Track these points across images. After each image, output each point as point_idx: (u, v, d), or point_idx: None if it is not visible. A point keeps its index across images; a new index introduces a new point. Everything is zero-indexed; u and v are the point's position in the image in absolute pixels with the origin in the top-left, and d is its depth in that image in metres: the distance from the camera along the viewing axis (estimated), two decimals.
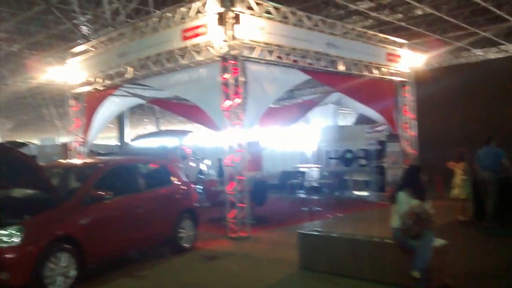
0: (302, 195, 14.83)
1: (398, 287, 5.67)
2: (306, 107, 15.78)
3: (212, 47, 9.59)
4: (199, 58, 9.93)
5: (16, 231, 5.64)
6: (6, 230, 5.65)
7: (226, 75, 9.42)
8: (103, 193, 6.64)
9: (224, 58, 9.42)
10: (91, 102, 13.44)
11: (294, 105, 16.57)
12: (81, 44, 14.59)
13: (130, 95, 14.11)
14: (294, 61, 10.67)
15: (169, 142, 9.12)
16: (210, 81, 9.99)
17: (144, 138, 10.00)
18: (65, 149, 14.55)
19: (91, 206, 6.58)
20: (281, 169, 17.77)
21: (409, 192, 5.65)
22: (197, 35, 9.81)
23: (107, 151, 16.83)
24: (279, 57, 10.33)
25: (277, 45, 10.20)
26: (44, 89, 33.17)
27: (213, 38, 9.44)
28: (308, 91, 16.38)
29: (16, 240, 5.60)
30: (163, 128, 41.08)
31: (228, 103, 9.40)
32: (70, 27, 18.05)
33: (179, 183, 8.49)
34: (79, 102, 13.92)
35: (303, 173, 16.25)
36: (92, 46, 13.08)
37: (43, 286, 5.78)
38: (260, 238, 9.34)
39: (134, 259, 7.75)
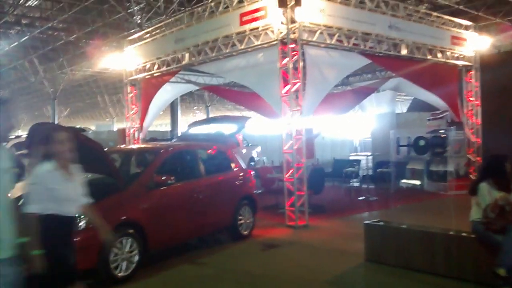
0: (356, 184, 14.45)
1: (478, 284, 5.29)
2: (362, 94, 15.27)
3: (271, 31, 9.36)
4: (257, 42, 9.71)
5: (83, 215, 5.63)
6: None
7: (285, 60, 9.18)
8: (166, 179, 6.57)
9: (283, 42, 9.16)
10: (148, 88, 13.53)
11: (349, 92, 16.09)
12: (135, 32, 14.72)
13: (184, 81, 14.14)
14: (355, 44, 10.27)
15: (227, 128, 8.93)
16: (268, 66, 9.78)
17: (201, 124, 9.86)
18: (122, 135, 14.74)
19: (154, 192, 6.53)
20: (331, 157, 17.40)
21: (492, 183, 5.22)
22: (255, 19, 9.60)
23: (162, 138, 17.00)
24: (339, 40, 9.97)
25: (338, 28, 9.84)
26: (99, 77, 34.09)
27: (273, 21, 9.20)
28: (364, 77, 15.88)
29: (83, 224, 5.60)
30: (212, 115, 41.41)
31: (287, 89, 9.16)
32: (124, 16, 18.26)
33: (239, 169, 8.34)
34: (136, 88, 14.06)
35: (358, 161, 15.80)
36: (149, 33, 13.14)
37: (108, 271, 5.77)
38: (318, 228, 9.09)
39: (193, 245, 7.67)
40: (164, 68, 12.47)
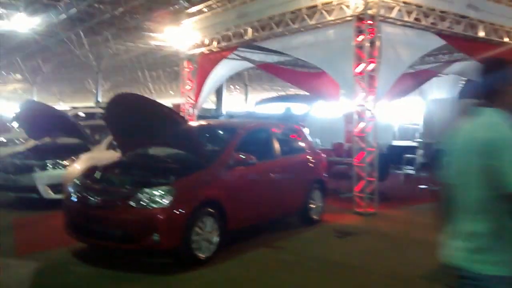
0: (409, 171, 13.84)
1: None
2: (423, 78, 14.57)
3: (347, 5, 8.85)
4: (329, 18, 9.23)
5: (167, 192, 5.40)
6: (157, 190, 5.42)
7: (360, 37, 8.69)
8: (248, 158, 6.28)
9: (359, 18, 8.67)
10: (205, 64, 13.23)
11: (408, 75, 15.37)
12: (185, 7, 14.36)
13: (239, 58, 13.77)
14: (432, 24, 9.66)
15: (297, 107, 8.55)
16: (340, 44, 9.32)
17: (269, 102, 9.51)
18: (178, 111, 14.53)
19: (234, 171, 6.24)
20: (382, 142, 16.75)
21: None
22: None
23: (213, 115, 16.73)
24: (416, 18, 9.38)
25: (416, 5, 9.25)
26: (141, 52, 34.07)
27: None
28: (426, 60, 15.12)
29: (167, 201, 5.35)
30: (250, 95, 41.01)
31: (361, 68, 8.70)
32: None
33: (311, 151, 7.99)
34: (192, 64, 13.79)
35: (413, 148, 15.17)
36: (209, 7, 12.75)
37: (190, 251, 5.53)
38: (388, 216, 8.68)
39: (263, 228, 7.39)
40: (224, 44, 12.12)
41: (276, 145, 7.21)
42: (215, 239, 5.83)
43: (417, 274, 5.48)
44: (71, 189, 6.10)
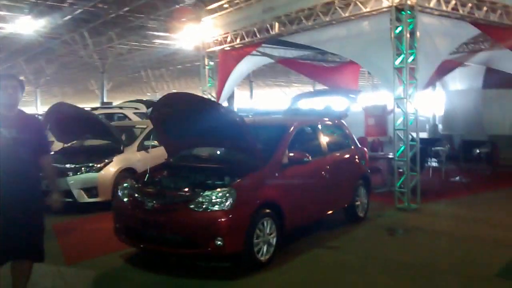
0: (435, 164, 13.62)
1: None
2: (446, 68, 14.32)
3: None
4: (365, 9, 8.98)
5: (229, 194, 5.16)
6: (218, 193, 5.18)
7: (398, 28, 8.46)
8: (302, 155, 6.05)
9: (398, 8, 8.42)
10: (227, 61, 12.96)
11: None
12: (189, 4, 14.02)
13: (259, 54, 13.53)
14: (468, 13, 9.41)
15: (337, 102, 8.30)
16: (375, 36, 9.07)
17: (306, 97, 9.24)
18: None
19: (289, 169, 6.00)
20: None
21: None
22: None
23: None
24: (454, 8, 9.13)
25: None
26: (144, 52, 33.79)
27: None
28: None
29: (229, 203, 5.12)
30: (255, 90, 40.73)
31: (401, 60, 8.46)
32: None
33: (355, 147, 7.76)
34: (212, 61, 13.54)
35: (437, 140, 14.95)
36: (231, 2, 12.46)
37: (253, 255, 5.32)
38: (430, 211, 8.46)
39: (310, 228, 7.14)
40: (247, 39, 11.86)
41: (325, 141, 6.98)
42: (273, 240, 5.61)
43: (493, 273, 5.24)
44: (121, 193, 5.86)
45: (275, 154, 5.94)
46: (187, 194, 5.37)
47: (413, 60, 8.42)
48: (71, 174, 8.44)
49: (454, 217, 8.03)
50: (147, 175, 6.12)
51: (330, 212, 7.01)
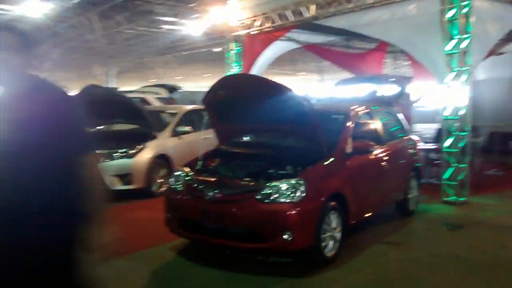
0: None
1: None
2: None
3: None
4: None
5: (299, 185, 4.76)
6: (287, 183, 4.78)
7: (451, 12, 8.00)
8: (367, 144, 5.65)
9: None
10: (254, 45, 12.47)
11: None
12: None
13: (285, 38, 13.03)
14: None
15: (386, 89, 7.88)
16: (422, 19, 8.59)
17: (352, 83, 8.77)
18: None
19: (352, 159, 5.60)
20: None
21: None
22: None
23: None
24: None
25: None
26: (151, 37, 33.20)
27: None
28: None
29: (299, 194, 4.72)
30: None
31: (452, 45, 8.02)
32: None
33: (408, 136, 7.35)
34: (239, 45, 13.06)
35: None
36: None
37: (321, 251, 4.94)
38: (480, 205, 8.04)
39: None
40: (279, 23, 11.37)
41: (383, 130, 6.57)
42: (338, 235, 5.22)
43: None
44: (174, 181, 5.46)
45: (339, 142, 5.53)
46: (251, 184, 4.97)
47: (467, 45, 7.96)
48: (103, 160, 8.02)
49: (508, 211, 7.63)
50: (200, 162, 5.71)
51: (389, 204, 6.61)
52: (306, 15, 10.60)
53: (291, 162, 5.37)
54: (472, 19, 7.97)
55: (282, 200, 4.72)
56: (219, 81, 5.50)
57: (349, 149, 5.56)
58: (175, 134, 9.02)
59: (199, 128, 9.66)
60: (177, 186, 5.38)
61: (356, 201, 5.49)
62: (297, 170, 5.09)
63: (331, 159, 5.29)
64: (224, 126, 5.99)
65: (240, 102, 5.56)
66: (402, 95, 7.69)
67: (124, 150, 8.16)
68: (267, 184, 4.80)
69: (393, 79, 8.21)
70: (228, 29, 12.95)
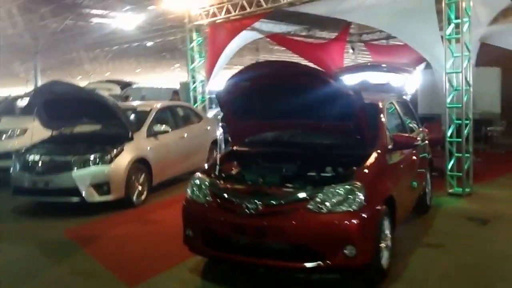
0: None
1: None
2: None
3: None
4: None
5: (357, 189, 4.02)
6: (343, 188, 4.03)
7: None
8: (411, 139, 5.02)
9: None
10: (219, 35, 11.58)
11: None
12: None
13: (249, 28, 12.24)
14: None
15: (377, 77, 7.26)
16: (414, 4, 8.15)
17: (349, 73, 8.08)
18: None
19: (393, 154, 4.95)
20: None
21: None
22: None
23: None
24: None
25: None
26: (78, 32, 31.08)
27: None
28: None
29: (359, 201, 3.97)
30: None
31: (450, 29, 7.62)
32: None
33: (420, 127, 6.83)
34: (200, 35, 12.10)
35: None
36: None
37: (379, 263, 4.25)
38: (488, 194, 7.70)
39: None
40: (250, 10, 10.54)
41: (405, 122, 5.99)
42: (390, 242, 4.55)
43: None
44: (195, 191, 4.53)
45: (380, 137, 4.84)
46: (298, 191, 4.15)
47: (467, 29, 7.58)
48: (76, 168, 6.85)
49: None
50: (218, 167, 4.82)
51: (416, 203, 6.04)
52: (282, 1, 9.86)
53: (329, 162, 4.63)
54: (471, 3, 7.61)
55: (341, 209, 3.96)
56: (240, 71, 4.63)
57: (389, 144, 4.88)
58: (151, 134, 7.97)
59: (173, 127, 8.69)
60: (200, 197, 4.46)
61: (401, 205, 4.85)
62: (348, 172, 4.34)
63: (376, 157, 4.57)
64: (241, 123, 5.11)
65: (266, 94, 4.72)
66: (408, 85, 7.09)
67: (98, 155, 7.01)
68: (321, 191, 4.01)
69: (399, 68, 7.58)
70: (189, 18, 11.93)
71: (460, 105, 7.66)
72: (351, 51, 16.19)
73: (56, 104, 7.46)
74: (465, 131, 7.70)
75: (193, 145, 9.17)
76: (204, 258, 4.74)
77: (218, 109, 15.94)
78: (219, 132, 10.27)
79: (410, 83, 7.29)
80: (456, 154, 7.82)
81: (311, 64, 13.97)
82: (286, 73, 4.51)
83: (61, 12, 25.39)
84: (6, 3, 23.61)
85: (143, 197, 7.53)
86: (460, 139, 7.71)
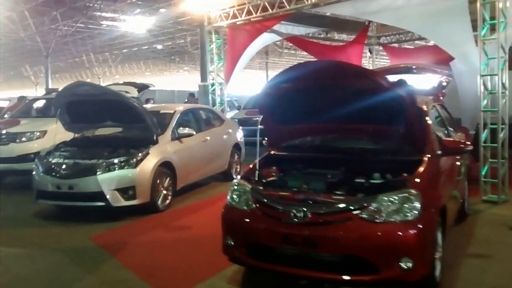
0: None
1: None
2: None
3: None
4: None
5: (413, 198, 3.78)
6: (398, 197, 3.78)
7: None
8: (461, 144, 4.77)
9: None
10: (239, 37, 11.43)
11: None
12: None
13: (268, 30, 12.05)
14: None
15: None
16: (446, 4, 7.93)
17: (393, 74, 7.84)
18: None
19: (441, 160, 4.70)
20: None
21: None
22: None
23: None
24: None
25: None
26: (87, 35, 31.07)
27: None
28: None
29: (416, 210, 3.73)
30: None
31: (484, 30, 7.37)
32: None
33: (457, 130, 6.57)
34: (219, 37, 11.90)
35: None
36: None
37: (434, 276, 4.00)
38: None
39: None
40: (271, 11, 10.33)
41: (447, 125, 5.75)
42: (441, 254, 4.29)
43: None
44: (236, 198, 4.31)
45: (429, 142, 4.58)
46: (350, 199, 3.92)
47: (503, 29, 7.32)
48: (100, 172, 6.64)
49: None
50: (257, 172, 4.59)
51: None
52: (307, 2, 9.65)
53: (375, 168, 4.39)
54: (507, 3, 7.36)
55: (396, 218, 3.72)
56: (283, 72, 4.40)
57: (438, 150, 4.63)
58: (175, 137, 7.76)
59: (196, 130, 8.47)
60: (241, 204, 4.23)
61: (451, 212, 4.61)
62: (400, 179, 4.09)
63: (428, 163, 4.32)
64: (281, 127, 4.88)
65: (309, 96, 4.50)
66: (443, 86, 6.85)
67: (123, 158, 6.81)
68: (376, 199, 3.77)
69: (434, 70, 7.36)
70: (208, 20, 11.73)
71: (496, 109, 7.40)
72: (368, 54, 15.95)
73: (79, 106, 7.29)
74: (501, 136, 7.43)
75: (216, 149, 8.96)
76: (241, 267, 4.52)
77: (236, 111, 15.88)
78: (240, 135, 10.04)
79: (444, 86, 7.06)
80: (490, 160, 7.55)
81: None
82: (331, 74, 4.28)
83: (72, 15, 25.43)
84: (19, 6, 23.64)
85: (167, 201, 7.32)
86: (496, 144, 7.43)
